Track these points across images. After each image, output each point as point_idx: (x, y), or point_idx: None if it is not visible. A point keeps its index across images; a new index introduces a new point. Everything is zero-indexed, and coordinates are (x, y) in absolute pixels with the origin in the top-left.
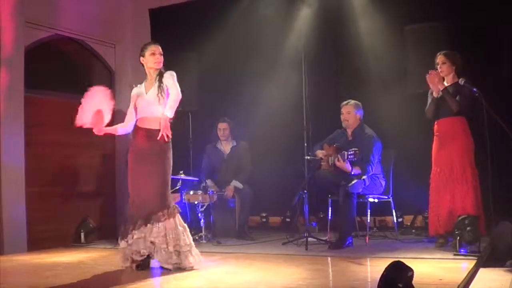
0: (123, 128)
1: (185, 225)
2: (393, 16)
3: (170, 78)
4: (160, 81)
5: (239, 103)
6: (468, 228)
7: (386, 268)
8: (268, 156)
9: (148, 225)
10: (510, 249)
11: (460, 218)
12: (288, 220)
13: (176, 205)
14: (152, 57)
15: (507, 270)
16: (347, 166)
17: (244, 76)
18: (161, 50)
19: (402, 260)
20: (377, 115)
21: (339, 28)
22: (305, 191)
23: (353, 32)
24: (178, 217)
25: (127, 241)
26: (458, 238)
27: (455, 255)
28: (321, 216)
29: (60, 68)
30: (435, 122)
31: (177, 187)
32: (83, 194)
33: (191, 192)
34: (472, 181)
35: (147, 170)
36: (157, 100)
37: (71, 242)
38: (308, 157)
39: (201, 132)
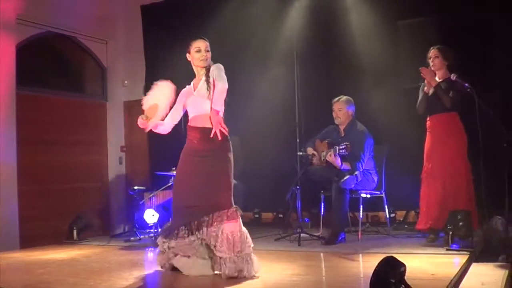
0: (163, 128)
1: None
2: (385, 11)
3: (216, 71)
4: (208, 76)
5: (232, 99)
6: (461, 223)
7: (378, 264)
8: (261, 152)
9: (203, 228)
10: (503, 244)
11: (452, 213)
12: (280, 216)
13: (238, 207)
14: (198, 54)
15: (500, 265)
16: (337, 162)
17: (236, 72)
18: (208, 45)
19: (394, 255)
20: (370, 110)
21: (331, 24)
22: (298, 187)
23: (346, 28)
24: (239, 221)
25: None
26: (451, 233)
27: (447, 250)
28: (314, 212)
29: (52, 64)
30: (428, 118)
31: (170, 184)
32: (75, 192)
33: None
34: (465, 176)
35: (202, 172)
36: (206, 96)
37: (64, 239)
38: (301, 153)
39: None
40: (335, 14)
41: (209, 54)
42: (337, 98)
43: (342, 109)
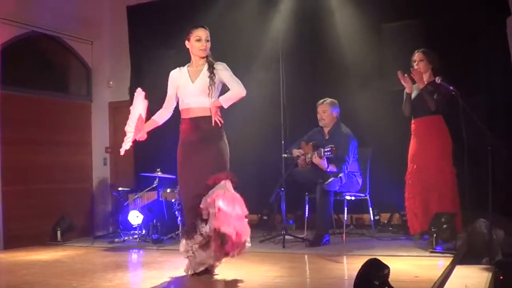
0: (163, 116)
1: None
2: (370, 14)
3: (227, 72)
4: (212, 73)
5: None
6: (445, 226)
7: (362, 266)
8: (246, 154)
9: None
10: (487, 246)
11: (436, 215)
12: (265, 217)
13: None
14: (198, 44)
15: (483, 267)
16: (323, 163)
17: None
18: (208, 35)
19: (378, 257)
20: (354, 113)
21: (317, 27)
22: (283, 189)
23: (331, 31)
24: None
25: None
26: (435, 235)
27: (431, 252)
28: (298, 213)
29: (36, 65)
30: (412, 121)
31: (154, 185)
32: (59, 192)
33: (168, 190)
34: (449, 179)
35: (200, 160)
36: (206, 92)
37: (48, 240)
38: (286, 155)
39: (179, 129)
40: (320, 17)
41: (209, 44)
42: (321, 101)
43: (326, 111)
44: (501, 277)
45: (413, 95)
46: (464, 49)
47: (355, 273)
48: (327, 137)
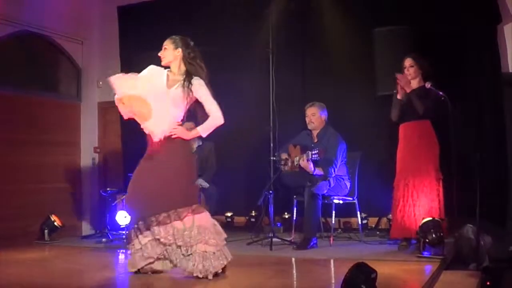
0: None
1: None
2: (362, 18)
3: (204, 90)
4: (189, 82)
5: None
6: (432, 231)
7: (349, 270)
8: (234, 156)
9: (161, 225)
10: (474, 252)
11: (424, 221)
12: (253, 220)
13: (199, 205)
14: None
15: (470, 273)
16: (310, 167)
17: (211, 75)
18: (167, 43)
19: (366, 261)
20: (344, 116)
21: (308, 29)
22: (271, 191)
23: (322, 33)
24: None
25: (133, 246)
26: (422, 240)
27: (418, 257)
28: (286, 216)
29: (26, 64)
30: (400, 126)
31: None
32: (47, 192)
33: None
34: (436, 184)
35: (159, 166)
36: (177, 105)
37: (35, 239)
38: (274, 158)
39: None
40: (311, 20)
41: (166, 52)
42: (310, 104)
43: (315, 114)
44: (488, 283)
45: (403, 98)
46: (454, 54)
47: (342, 277)
48: (315, 140)
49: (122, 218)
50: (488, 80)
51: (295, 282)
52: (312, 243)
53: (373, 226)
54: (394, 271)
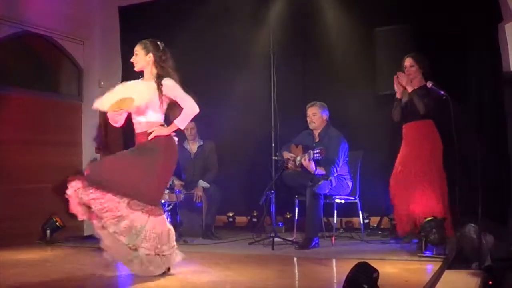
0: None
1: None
2: (363, 17)
3: (176, 89)
4: (159, 84)
5: (207, 103)
6: (434, 230)
7: (351, 269)
8: (236, 156)
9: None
10: (476, 251)
11: (426, 220)
12: (254, 220)
13: (161, 207)
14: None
15: (472, 273)
16: (311, 166)
17: (213, 75)
18: (137, 48)
19: (367, 261)
20: (345, 116)
21: (309, 29)
22: (272, 191)
23: (323, 33)
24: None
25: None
26: (424, 239)
27: (420, 256)
28: (288, 216)
29: (27, 64)
30: (403, 126)
31: None
32: (49, 192)
33: None
34: (438, 183)
35: (138, 159)
36: (151, 107)
37: (37, 239)
38: (276, 158)
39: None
40: (312, 19)
41: (137, 57)
42: (311, 103)
43: (316, 113)
44: (490, 282)
45: (403, 100)
46: (455, 53)
47: (344, 277)
48: (317, 140)
49: None
50: (489, 79)
51: (297, 282)
52: (314, 243)
53: (375, 225)
54: (396, 270)
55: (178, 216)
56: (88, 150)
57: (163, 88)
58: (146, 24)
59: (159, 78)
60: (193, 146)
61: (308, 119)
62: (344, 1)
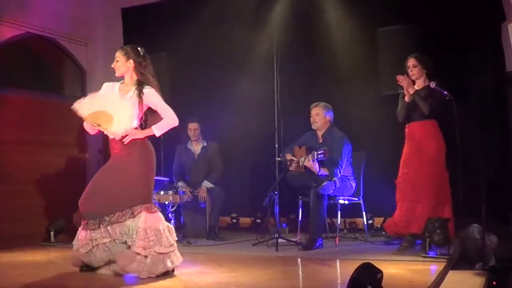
0: None
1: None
2: (365, 18)
3: (156, 98)
4: (140, 91)
5: (211, 104)
6: (438, 231)
7: (355, 270)
8: (239, 157)
9: (112, 224)
10: (480, 252)
11: (429, 220)
12: (258, 221)
13: (155, 205)
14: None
15: (476, 273)
16: (315, 167)
17: (216, 76)
18: (118, 55)
19: (371, 262)
20: (349, 116)
21: (312, 30)
22: (276, 192)
23: (326, 34)
24: (152, 217)
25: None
26: (428, 240)
27: (424, 257)
28: (292, 217)
29: (31, 66)
30: (406, 126)
31: None
32: (53, 193)
33: (162, 192)
34: (441, 184)
35: (118, 168)
36: (134, 114)
37: (41, 241)
38: (279, 159)
39: (173, 132)
40: (314, 20)
41: (118, 64)
42: (314, 104)
43: (319, 114)
44: (494, 283)
45: (408, 100)
46: (458, 53)
47: (348, 277)
48: (320, 141)
49: None
50: (493, 79)
51: (301, 283)
52: (317, 244)
53: (379, 226)
54: (400, 271)
55: (181, 217)
56: (92, 151)
57: (144, 97)
58: (148, 25)
59: (139, 85)
60: (196, 147)
61: (311, 119)
62: (346, 2)
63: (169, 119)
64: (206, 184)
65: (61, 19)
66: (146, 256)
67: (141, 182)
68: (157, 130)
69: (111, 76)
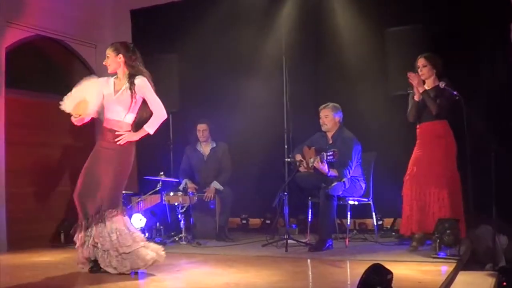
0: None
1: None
2: (374, 18)
3: (147, 89)
4: (132, 84)
5: (220, 104)
6: (448, 231)
7: (365, 271)
8: (249, 158)
9: (97, 224)
10: (490, 252)
11: (440, 221)
12: (268, 222)
13: (124, 208)
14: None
15: (487, 273)
16: (324, 168)
17: (225, 77)
18: (109, 51)
19: (381, 262)
20: (358, 117)
21: (320, 30)
22: (285, 193)
23: (335, 35)
24: (122, 219)
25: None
26: (438, 241)
27: (434, 258)
28: (301, 218)
29: (41, 68)
30: (417, 126)
31: (157, 188)
32: (63, 195)
33: (171, 193)
34: (451, 184)
35: (101, 168)
36: (126, 106)
37: (51, 242)
38: (288, 159)
39: (182, 133)
40: (324, 21)
41: (109, 60)
42: (323, 105)
43: (328, 115)
44: (504, 283)
45: (418, 99)
46: (467, 53)
47: (358, 278)
48: (330, 142)
49: (138, 221)
50: (502, 78)
51: (310, 284)
52: (327, 245)
53: (389, 227)
54: (410, 272)
55: (191, 218)
56: None
57: (136, 88)
58: (157, 27)
59: (131, 77)
60: (205, 148)
61: (321, 121)
62: (355, 2)
63: (158, 113)
64: (216, 185)
65: (71, 21)
66: (120, 254)
67: (112, 186)
68: (150, 128)
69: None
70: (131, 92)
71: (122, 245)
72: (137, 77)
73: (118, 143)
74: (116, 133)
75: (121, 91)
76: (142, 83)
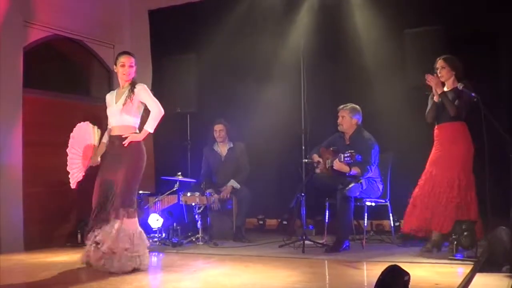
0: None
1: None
2: (392, 20)
3: (145, 93)
4: (131, 91)
5: (238, 105)
6: (465, 233)
7: (382, 272)
8: (266, 158)
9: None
10: (507, 254)
11: (457, 222)
12: (285, 222)
13: (135, 209)
14: (122, 69)
15: (504, 275)
16: (345, 167)
17: (243, 78)
18: (132, 61)
19: (398, 264)
20: (376, 118)
21: (339, 31)
22: (303, 194)
23: (353, 36)
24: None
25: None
26: (455, 242)
27: (451, 259)
28: (318, 219)
29: (58, 68)
30: (435, 127)
31: (175, 189)
32: (81, 195)
33: (189, 194)
34: (469, 186)
35: (116, 172)
36: (127, 112)
37: (68, 242)
38: (306, 160)
39: (200, 133)
40: (342, 22)
41: (132, 70)
42: (342, 106)
43: (345, 116)
44: None
45: (436, 100)
46: (486, 54)
47: (375, 280)
48: (347, 143)
49: (155, 221)
50: None
51: (327, 285)
52: (344, 246)
53: None
54: (427, 273)
55: (208, 219)
56: None
57: (135, 92)
58: (175, 27)
59: (132, 85)
60: (223, 149)
61: (338, 121)
62: (373, 3)
63: (154, 111)
64: (233, 183)
65: (89, 22)
66: (114, 253)
67: (124, 187)
68: (149, 127)
69: (139, 78)
70: (130, 95)
71: (121, 245)
72: (138, 84)
73: (124, 145)
74: (122, 136)
75: (123, 98)
76: (141, 88)
